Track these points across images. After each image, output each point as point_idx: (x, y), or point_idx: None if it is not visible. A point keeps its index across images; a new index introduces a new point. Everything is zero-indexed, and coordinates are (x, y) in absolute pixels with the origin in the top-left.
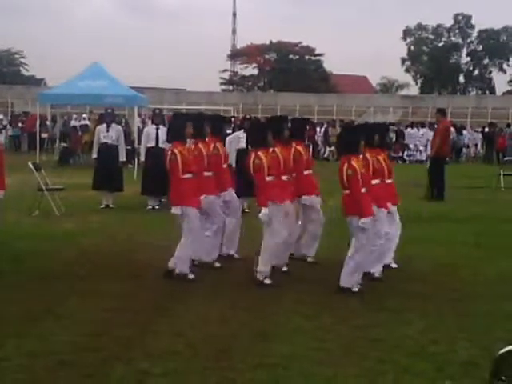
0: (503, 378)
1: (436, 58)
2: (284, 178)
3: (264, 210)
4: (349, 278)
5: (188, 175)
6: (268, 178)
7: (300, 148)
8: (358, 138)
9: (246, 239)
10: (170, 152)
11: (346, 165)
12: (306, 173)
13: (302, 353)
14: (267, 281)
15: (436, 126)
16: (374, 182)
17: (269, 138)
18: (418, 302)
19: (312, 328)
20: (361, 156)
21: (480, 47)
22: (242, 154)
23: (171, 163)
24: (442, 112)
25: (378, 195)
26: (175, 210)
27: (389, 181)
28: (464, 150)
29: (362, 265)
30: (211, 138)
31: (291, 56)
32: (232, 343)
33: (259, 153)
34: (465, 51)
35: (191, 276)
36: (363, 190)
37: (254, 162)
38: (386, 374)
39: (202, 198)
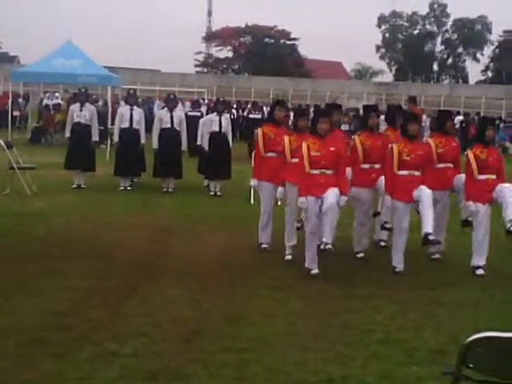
0: (470, 365)
1: (410, 46)
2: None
3: (280, 189)
4: (307, 259)
5: (271, 154)
6: (293, 160)
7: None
8: (316, 119)
9: (225, 222)
10: (256, 132)
11: None
12: None
13: (272, 337)
14: (288, 257)
15: None
16: (401, 173)
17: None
18: (388, 289)
19: (283, 313)
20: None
21: (455, 36)
22: (214, 137)
23: (255, 142)
24: (413, 100)
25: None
26: (253, 181)
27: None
28: None
29: (310, 246)
30: None
31: (266, 40)
32: (202, 326)
33: (285, 136)
34: (439, 39)
35: (264, 246)
36: (314, 172)
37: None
38: (355, 359)
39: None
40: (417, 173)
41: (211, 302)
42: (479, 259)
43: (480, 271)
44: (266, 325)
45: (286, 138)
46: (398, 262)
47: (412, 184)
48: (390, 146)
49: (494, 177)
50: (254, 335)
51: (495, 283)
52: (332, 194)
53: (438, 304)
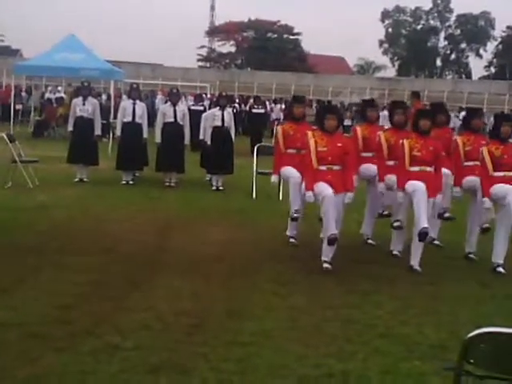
0: (471, 360)
1: (414, 41)
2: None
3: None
4: (323, 252)
5: (290, 150)
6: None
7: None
8: (323, 115)
9: (227, 216)
10: (277, 129)
11: None
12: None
13: (274, 331)
14: (292, 240)
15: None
16: (413, 169)
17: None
18: (388, 284)
19: (285, 307)
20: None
21: (458, 31)
22: (217, 132)
23: (275, 138)
24: (416, 95)
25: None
26: (273, 178)
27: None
28: None
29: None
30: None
31: (269, 34)
32: (204, 319)
33: (309, 132)
34: (443, 35)
35: (292, 240)
36: (322, 168)
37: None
38: (356, 354)
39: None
40: (428, 168)
41: (213, 295)
42: (497, 257)
43: (499, 269)
44: (267, 319)
45: (310, 134)
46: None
47: (423, 180)
48: (400, 141)
49: (511, 174)
50: (255, 329)
51: (497, 279)
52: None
53: (439, 299)
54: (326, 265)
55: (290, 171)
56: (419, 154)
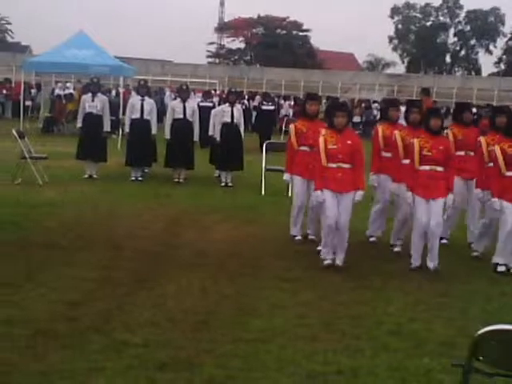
0: (480, 357)
1: (423, 38)
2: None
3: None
4: (323, 250)
5: (303, 148)
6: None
7: None
8: (332, 112)
9: (236, 213)
10: (290, 126)
11: None
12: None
13: (281, 328)
14: (298, 237)
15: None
16: (423, 168)
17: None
18: (398, 280)
19: (293, 304)
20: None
21: (467, 28)
22: (226, 128)
23: (289, 136)
24: (426, 92)
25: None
26: (285, 176)
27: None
28: None
29: (327, 239)
30: None
31: (278, 31)
32: (212, 316)
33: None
34: (452, 31)
35: (297, 238)
36: (331, 165)
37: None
38: (365, 351)
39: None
40: (439, 168)
41: (221, 292)
42: (501, 258)
43: (502, 268)
44: (275, 315)
45: (323, 131)
46: (416, 260)
47: (433, 180)
48: (411, 140)
49: None
50: (263, 326)
51: (506, 277)
52: (345, 213)
53: (449, 296)
54: (326, 261)
55: (297, 189)
56: (429, 153)
